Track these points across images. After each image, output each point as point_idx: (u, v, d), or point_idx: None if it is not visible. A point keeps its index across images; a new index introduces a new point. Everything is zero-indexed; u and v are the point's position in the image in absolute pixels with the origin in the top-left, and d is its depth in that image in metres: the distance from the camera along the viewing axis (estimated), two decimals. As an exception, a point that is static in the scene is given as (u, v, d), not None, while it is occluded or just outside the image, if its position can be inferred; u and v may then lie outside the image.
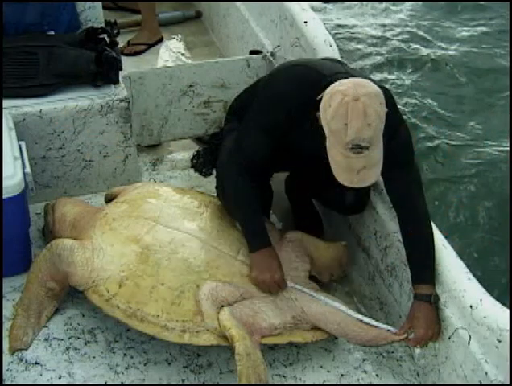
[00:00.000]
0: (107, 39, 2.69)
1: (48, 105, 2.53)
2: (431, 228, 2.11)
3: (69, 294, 2.26)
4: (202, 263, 2.12)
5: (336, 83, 1.90)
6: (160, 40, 3.79)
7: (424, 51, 5.08)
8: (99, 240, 2.16)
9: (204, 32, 3.98)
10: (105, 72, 2.60)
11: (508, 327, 1.80)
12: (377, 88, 1.88)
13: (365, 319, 2.14)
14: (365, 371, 2.18)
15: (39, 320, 2.19)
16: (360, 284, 2.50)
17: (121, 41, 3.11)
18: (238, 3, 3.42)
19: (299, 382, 2.13)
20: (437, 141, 4.13)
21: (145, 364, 2.13)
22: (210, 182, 2.82)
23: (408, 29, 5.42)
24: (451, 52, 5.10)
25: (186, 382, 2.10)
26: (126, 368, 2.11)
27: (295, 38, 2.85)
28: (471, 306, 1.92)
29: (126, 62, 3.01)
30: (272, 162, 2.18)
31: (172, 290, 2.06)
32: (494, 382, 1.84)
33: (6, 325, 2.17)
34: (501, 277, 3.22)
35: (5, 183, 2.13)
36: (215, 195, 2.45)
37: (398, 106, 2.15)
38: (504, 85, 4.63)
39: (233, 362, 1.99)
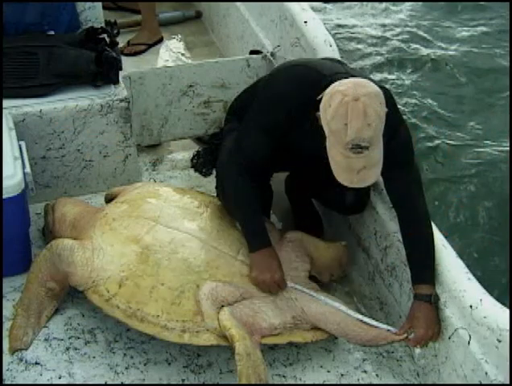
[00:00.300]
0: (107, 39, 2.69)
1: (48, 105, 2.53)
2: (431, 228, 2.11)
3: (69, 294, 2.26)
4: (202, 263, 2.12)
5: (336, 83, 1.90)
6: (160, 40, 3.79)
7: (424, 51, 5.08)
8: (99, 240, 2.16)
9: (204, 32, 3.98)
10: (105, 72, 2.60)
11: (508, 327, 1.80)
12: (377, 88, 1.88)
13: (365, 319, 2.14)
14: (365, 371, 2.18)
15: (39, 320, 2.19)
16: (360, 284, 2.50)
17: (121, 41, 3.11)
18: (238, 3, 3.42)
19: (299, 382, 2.13)
20: (437, 141, 4.13)
21: (145, 364, 2.13)
22: (210, 182, 2.82)
23: (408, 29, 5.42)
24: (451, 52, 5.10)
25: (186, 382, 2.10)
26: (126, 368, 2.11)
27: (295, 38, 2.85)
28: (471, 306, 1.92)
29: (126, 62, 3.02)
30: (272, 162, 2.18)
31: (172, 290, 2.06)
32: (494, 382, 1.84)
33: (6, 325, 2.17)
34: (501, 277, 3.22)
35: (5, 183, 2.13)
36: (215, 195, 2.45)
37: (398, 106, 2.15)
38: (504, 85, 4.63)
39: (233, 362, 1.99)
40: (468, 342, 1.93)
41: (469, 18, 5.60)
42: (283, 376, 2.15)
